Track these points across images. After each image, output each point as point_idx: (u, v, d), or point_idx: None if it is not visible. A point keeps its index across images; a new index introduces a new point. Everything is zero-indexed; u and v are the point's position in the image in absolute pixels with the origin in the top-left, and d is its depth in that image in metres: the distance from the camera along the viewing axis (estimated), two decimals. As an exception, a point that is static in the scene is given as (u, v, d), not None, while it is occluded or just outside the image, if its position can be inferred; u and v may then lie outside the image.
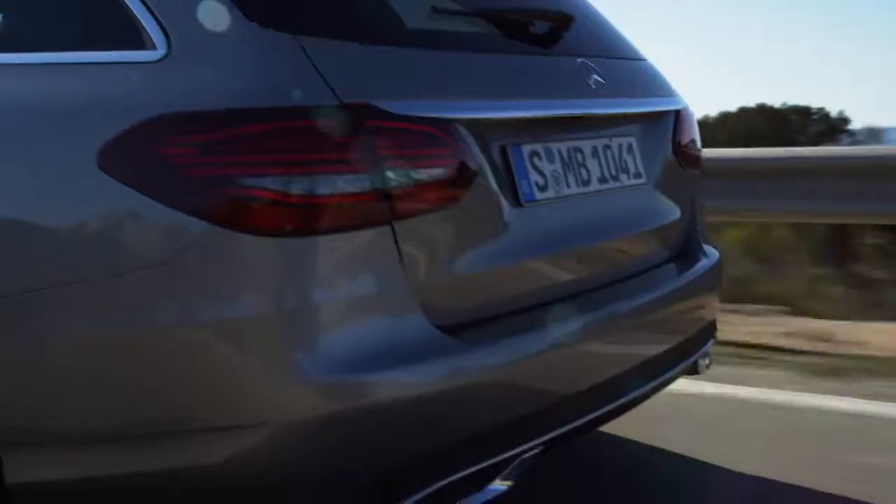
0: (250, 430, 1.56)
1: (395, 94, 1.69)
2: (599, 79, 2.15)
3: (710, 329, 2.53)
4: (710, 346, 2.55)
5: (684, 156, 2.54)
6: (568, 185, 2.06)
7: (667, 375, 2.27)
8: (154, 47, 1.65)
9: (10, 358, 1.66)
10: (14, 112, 1.72)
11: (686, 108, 2.59)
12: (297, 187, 1.55)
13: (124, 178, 1.58)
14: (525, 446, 1.80)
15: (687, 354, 2.38)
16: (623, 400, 2.08)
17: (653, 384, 2.20)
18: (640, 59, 2.57)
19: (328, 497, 1.62)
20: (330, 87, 1.60)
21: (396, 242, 1.64)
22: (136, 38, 1.67)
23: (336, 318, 1.59)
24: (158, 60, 1.64)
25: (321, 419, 1.56)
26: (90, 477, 1.65)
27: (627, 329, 2.10)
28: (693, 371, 2.51)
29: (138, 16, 1.68)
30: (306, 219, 1.55)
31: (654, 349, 2.21)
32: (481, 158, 1.82)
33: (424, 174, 1.69)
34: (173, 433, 1.61)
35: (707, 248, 2.64)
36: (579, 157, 2.11)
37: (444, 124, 1.73)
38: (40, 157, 1.66)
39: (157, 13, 1.67)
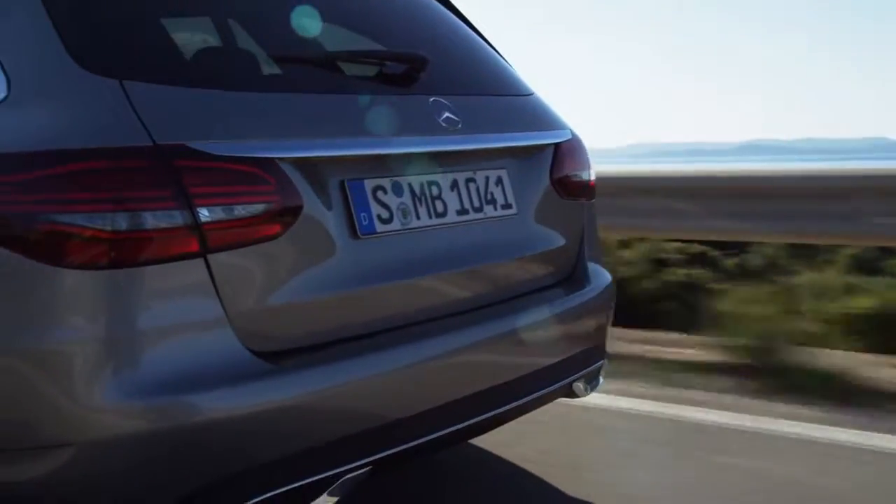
0: (60, 450, 1.68)
1: (216, 135, 1.81)
2: (452, 116, 2.24)
3: (590, 353, 2.60)
4: (592, 370, 2.62)
5: (566, 186, 2.62)
6: (418, 217, 2.15)
7: (529, 397, 2.35)
8: None
9: None
10: None
11: (569, 141, 2.67)
12: (109, 223, 1.67)
13: None
14: (347, 466, 1.90)
15: (557, 378, 2.46)
16: (469, 422, 2.16)
17: (509, 406, 2.28)
18: (523, 95, 2.66)
19: None
20: (146, 128, 1.73)
21: (210, 273, 1.75)
22: None
23: (144, 345, 1.70)
24: None
25: (129, 439, 1.67)
26: None
27: (476, 353, 2.18)
28: (570, 394, 2.58)
29: None
30: (117, 252, 1.68)
31: (510, 374, 2.28)
32: (311, 194, 1.92)
33: (241, 210, 1.80)
34: (1, 450, 1.73)
35: (596, 274, 2.71)
36: (434, 190, 2.21)
37: (264, 163, 1.84)
38: None
39: (1, 58, 1.81)
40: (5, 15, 1.86)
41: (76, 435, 1.67)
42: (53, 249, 1.66)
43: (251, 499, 1.78)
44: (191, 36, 2.07)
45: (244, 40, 2.12)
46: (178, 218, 1.72)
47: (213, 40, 2.11)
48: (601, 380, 2.71)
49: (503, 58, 2.77)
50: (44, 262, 1.66)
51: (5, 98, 1.78)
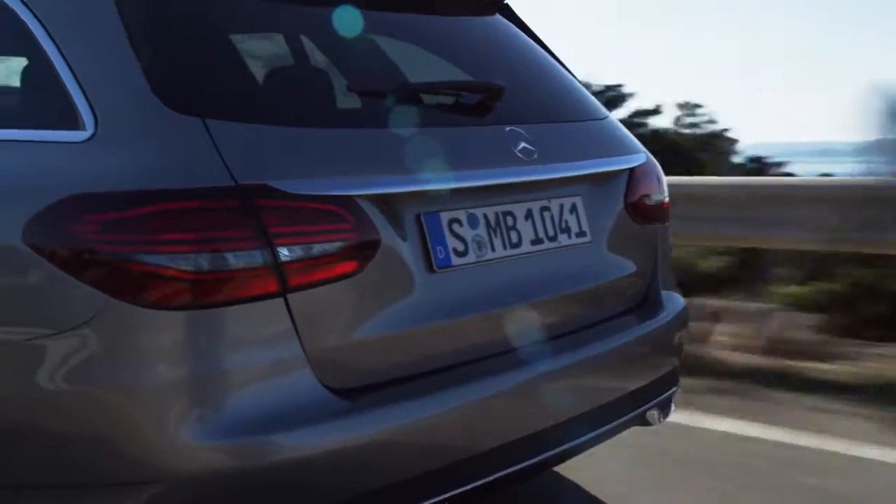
0: (151, 486, 1.71)
1: (295, 174, 1.82)
2: (528, 146, 2.23)
3: (664, 380, 2.57)
4: (665, 397, 2.59)
5: (640, 210, 2.59)
6: (493, 249, 2.14)
7: (604, 428, 2.33)
8: (84, 128, 1.82)
9: None
10: None
11: (644, 164, 2.63)
12: (191, 264, 1.69)
13: (45, 252, 1.75)
14: (426, 502, 1.89)
15: (632, 407, 2.43)
16: (549, 454, 2.16)
17: (585, 438, 2.26)
18: (597, 119, 2.63)
19: None
20: (228, 168, 1.74)
21: (290, 312, 1.76)
22: (72, 119, 1.84)
23: (228, 385, 1.72)
24: (85, 141, 1.81)
25: (213, 477, 1.70)
26: None
27: (552, 385, 2.17)
28: (643, 422, 2.56)
29: (74, 98, 1.85)
30: (199, 293, 1.69)
31: (587, 404, 2.26)
32: (388, 230, 1.92)
33: (319, 248, 1.81)
34: (90, 485, 1.77)
35: (670, 299, 2.68)
36: (509, 220, 2.20)
37: (343, 201, 1.85)
38: None
39: (89, 96, 1.84)
40: (93, 55, 1.89)
41: (163, 473, 1.69)
42: (138, 289, 1.69)
43: None
44: (269, 73, 2.08)
45: (321, 76, 2.12)
46: (258, 258, 1.73)
47: (290, 77, 2.11)
48: (673, 407, 2.67)
49: (577, 79, 2.75)
50: (129, 301, 1.69)
51: (93, 136, 1.81)
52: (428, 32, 2.47)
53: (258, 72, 2.07)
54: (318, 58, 2.15)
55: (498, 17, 2.71)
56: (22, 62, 2.14)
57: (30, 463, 1.81)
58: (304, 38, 2.16)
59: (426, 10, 2.46)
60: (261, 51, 2.11)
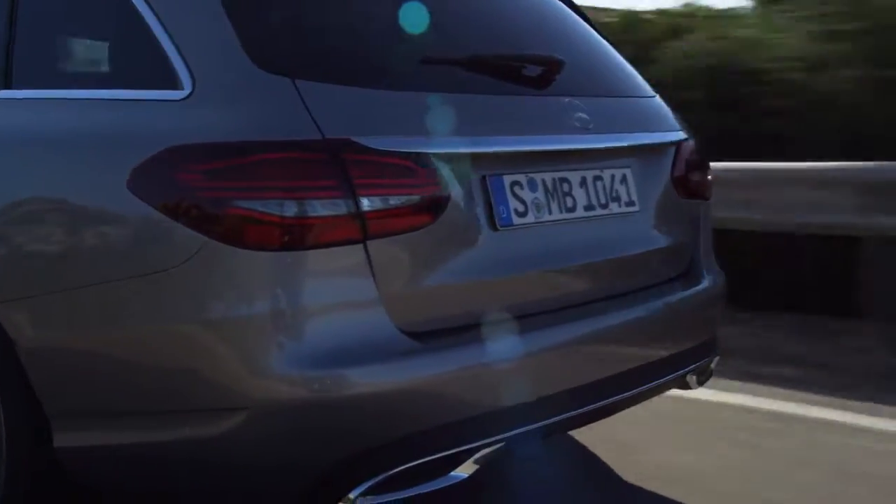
0: (237, 412, 1.87)
1: (377, 130, 1.97)
2: (585, 116, 2.37)
3: (703, 347, 2.71)
4: (704, 364, 2.73)
5: (685, 185, 2.73)
6: (550, 212, 2.29)
7: (646, 387, 2.47)
8: (182, 87, 1.99)
9: (64, 346, 2.04)
10: (67, 142, 2.09)
11: (688, 142, 2.78)
12: (282, 210, 1.85)
13: (147, 198, 1.92)
14: (482, 441, 2.05)
15: (672, 369, 2.57)
16: (593, 406, 2.30)
17: (629, 394, 2.41)
18: (646, 97, 2.78)
19: (295, 478, 1.91)
20: (317, 124, 1.90)
21: (369, 258, 1.92)
22: (170, 79, 2.01)
23: (310, 322, 1.88)
24: (183, 99, 1.98)
25: (293, 406, 1.86)
26: (123, 444, 2.00)
27: (601, 342, 2.32)
28: (684, 385, 2.70)
29: (172, 60, 2.02)
30: (289, 237, 1.86)
31: (632, 363, 2.41)
32: (457, 187, 2.08)
33: (397, 200, 1.97)
34: (182, 411, 1.94)
35: (710, 270, 2.82)
36: (565, 186, 2.34)
37: (419, 157, 2.00)
38: (81, 177, 2.02)
39: (187, 59, 2.01)
40: (189, 19, 2.05)
41: (249, 400, 1.85)
42: (234, 232, 1.85)
43: (394, 468, 1.94)
44: (354, 36, 2.24)
45: (402, 41, 2.27)
46: (342, 207, 1.89)
47: (373, 41, 2.27)
48: (712, 374, 2.81)
49: (626, 60, 2.89)
50: (225, 242, 1.85)
51: (191, 94, 1.97)
52: (501, 5, 2.63)
53: (344, 35, 2.21)
54: (399, 24, 2.29)
55: None
56: (111, 24, 2.30)
57: (128, 390, 1.99)
58: (387, 4, 2.31)
59: None
60: (345, 18, 2.26)
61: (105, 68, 2.33)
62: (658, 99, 2.84)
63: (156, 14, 2.07)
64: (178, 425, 1.94)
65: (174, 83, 2.00)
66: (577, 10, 2.92)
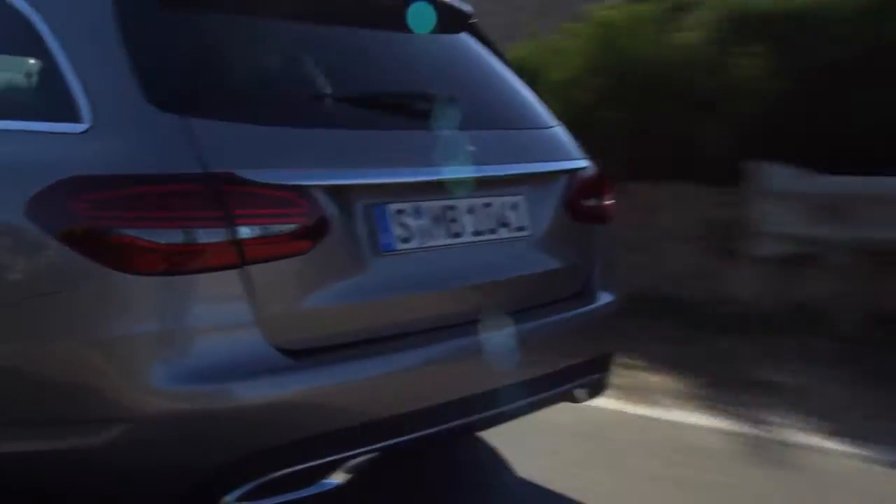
0: (123, 423, 2.05)
1: (262, 164, 2.14)
2: (474, 148, 2.54)
3: (592, 363, 2.88)
4: (594, 379, 2.90)
5: (579, 211, 2.90)
6: (436, 238, 2.46)
7: (528, 400, 2.64)
8: (82, 121, 2.16)
9: None
10: None
11: (584, 169, 2.94)
12: (164, 238, 2.03)
13: (44, 224, 2.09)
14: (355, 451, 2.22)
15: (557, 384, 2.75)
16: (470, 419, 2.47)
17: (509, 407, 2.58)
18: (545, 128, 2.95)
19: (174, 483, 2.09)
20: (201, 158, 2.07)
21: (247, 282, 2.09)
22: (73, 113, 2.18)
23: (189, 341, 2.06)
24: (83, 132, 2.15)
25: (171, 418, 2.04)
26: (25, 451, 2.19)
27: (481, 359, 2.48)
28: (571, 399, 2.88)
29: (76, 96, 2.19)
30: (170, 263, 2.03)
31: (513, 378, 2.58)
32: (338, 216, 2.25)
33: (276, 229, 2.14)
34: (68, 421, 2.11)
35: (606, 290, 2.98)
36: (451, 214, 2.51)
37: (300, 189, 2.17)
38: None
39: (90, 94, 2.18)
40: (94, 56, 2.23)
41: (131, 413, 2.03)
42: (120, 258, 2.02)
43: (266, 475, 2.12)
44: (248, 75, 2.41)
45: (292, 79, 2.45)
46: (221, 235, 2.06)
47: (263, 80, 2.44)
48: (604, 389, 2.98)
49: (531, 92, 3.06)
50: (113, 267, 2.03)
51: (90, 128, 2.15)
52: (399, 45, 2.79)
53: (238, 74, 2.39)
54: (291, 62, 2.46)
55: (464, 35, 3.02)
56: (24, 61, 2.47)
57: (30, 402, 2.17)
58: (283, 44, 2.49)
59: (400, 27, 2.78)
60: (243, 54, 2.44)
61: (14, 101, 2.49)
62: (558, 129, 3.01)
63: (64, 50, 2.24)
64: (73, 434, 2.11)
65: (76, 117, 2.17)
66: (493, 48, 3.09)
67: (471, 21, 3.05)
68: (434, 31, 2.87)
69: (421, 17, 2.76)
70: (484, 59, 3.02)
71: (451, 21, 2.98)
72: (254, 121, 2.23)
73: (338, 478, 2.24)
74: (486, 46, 3.07)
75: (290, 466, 2.14)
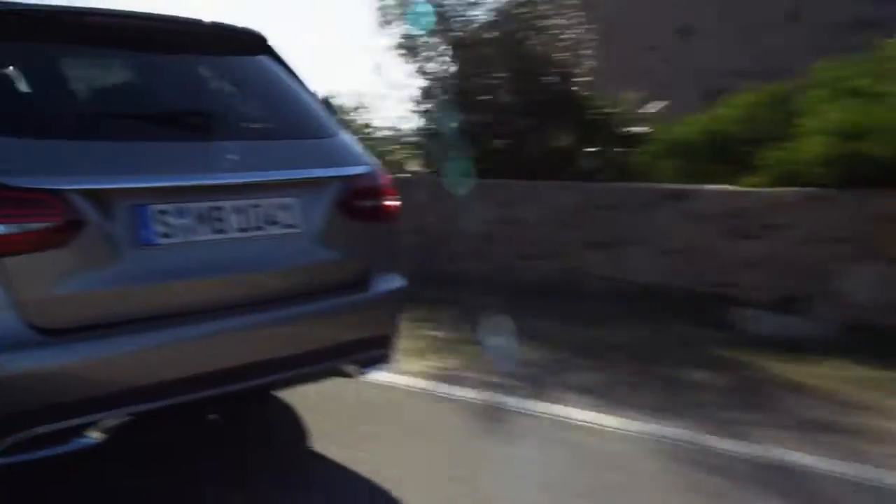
0: None
1: (24, 172, 2.55)
2: (238, 157, 2.95)
3: (363, 343, 3.29)
4: (366, 357, 3.32)
5: (355, 211, 3.30)
6: (200, 234, 2.87)
7: (294, 372, 3.07)
8: None
9: None
10: None
11: (360, 175, 3.35)
12: None
13: None
14: (106, 414, 2.63)
15: (324, 360, 3.16)
16: (224, 389, 2.88)
17: (268, 379, 3.01)
18: (325, 137, 3.36)
19: None
20: None
21: (4, 271, 2.50)
22: None
23: None
24: None
25: None
26: None
27: (241, 337, 2.89)
28: (345, 374, 3.30)
29: None
30: None
31: (275, 353, 2.99)
32: (98, 216, 2.64)
33: (31, 227, 2.54)
34: None
35: (384, 280, 3.39)
36: (216, 213, 2.92)
37: (53, 192, 2.57)
38: None
39: None
40: None
41: None
42: None
43: (20, 434, 2.52)
44: (23, 91, 2.83)
45: (68, 97, 2.86)
46: None
47: (40, 96, 2.86)
48: (378, 364, 3.39)
49: (318, 104, 3.47)
50: None
51: None
52: (179, 65, 3.21)
53: (11, 89, 2.80)
54: (64, 81, 2.88)
55: (261, 57, 3.44)
56: None
57: None
58: (55, 64, 2.90)
59: (195, 50, 3.19)
60: (21, 71, 2.85)
61: None
62: (340, 137, 3.42)
63: None
64: None
65: None
66: (287, 68, 3.50)
67: (267, 45, 3.46)
68: (225, 55, 3.29)
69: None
70: (275, 78, 3.43)
71: (246, 45, 3.39)
72: (19, 134, 2.63)
73: (94, 436, 2.64)
74: (283, 67, 3.49)
75: (41, 426, 2.55)
